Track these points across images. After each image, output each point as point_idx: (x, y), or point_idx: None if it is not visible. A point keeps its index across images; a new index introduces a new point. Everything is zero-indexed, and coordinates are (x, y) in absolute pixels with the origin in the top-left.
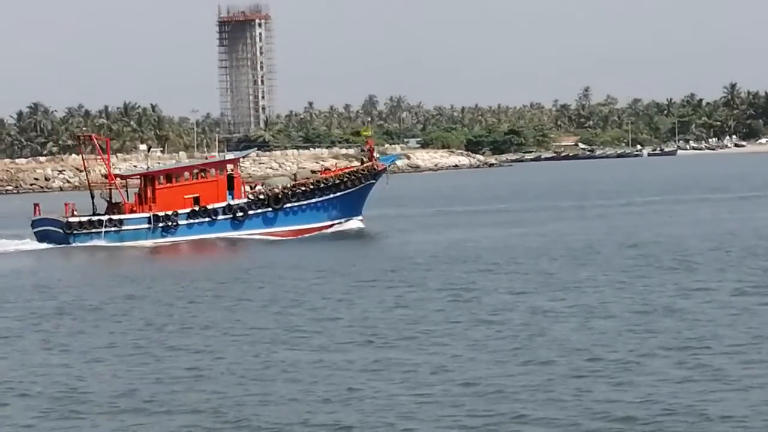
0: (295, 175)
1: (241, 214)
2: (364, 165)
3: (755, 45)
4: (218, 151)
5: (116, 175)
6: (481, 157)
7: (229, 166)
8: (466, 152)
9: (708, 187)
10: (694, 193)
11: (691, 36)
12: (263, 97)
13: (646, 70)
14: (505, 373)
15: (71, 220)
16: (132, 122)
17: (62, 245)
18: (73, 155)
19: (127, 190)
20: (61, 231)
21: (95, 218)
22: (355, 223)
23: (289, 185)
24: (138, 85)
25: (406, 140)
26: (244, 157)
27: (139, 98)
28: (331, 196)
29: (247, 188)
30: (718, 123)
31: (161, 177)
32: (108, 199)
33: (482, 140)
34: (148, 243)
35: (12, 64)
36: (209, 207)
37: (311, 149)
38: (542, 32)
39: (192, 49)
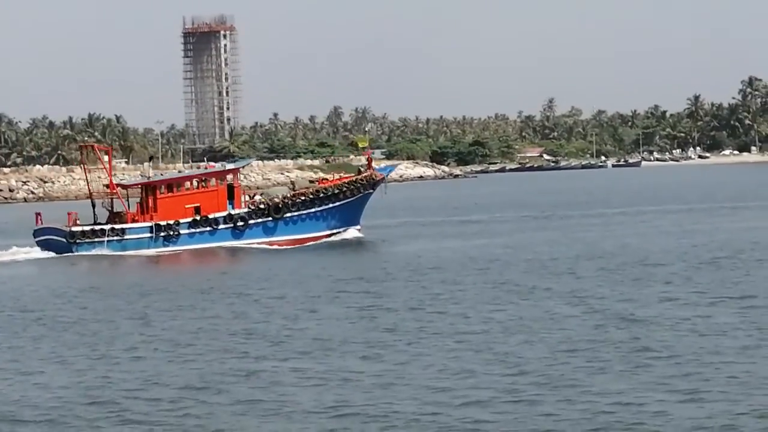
0: (293, 184)
1: (241, 223)
2: (363, 175)
3: (719, 56)
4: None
5: (118, 185)
6: (446, 168)
7: (229, 176)
8: (431, 163)
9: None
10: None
11: (655, 47)
12: (228, 108)
13: (610, 82)
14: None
15: (74, 229)
16: (96, 133)
17: (65, 254)
18: (38, 166)
19: (128, 200)
20: (64, 240)
21: (98, 227)
22: (353, 233)
23: (288, 195)
24: (102, 96)
25: (373, 151)
26: (243, 167)
27: (104, 109)
28: (331, 205)
29: (246, 198)
30: (682, 134)
31: (162, 186)
32: (110, 208)
33: (447, 151)
34: (151, 252)
35: None
36: (210, 216)
37: (276, 160)
38: (507, 43)
39: (157, 61)
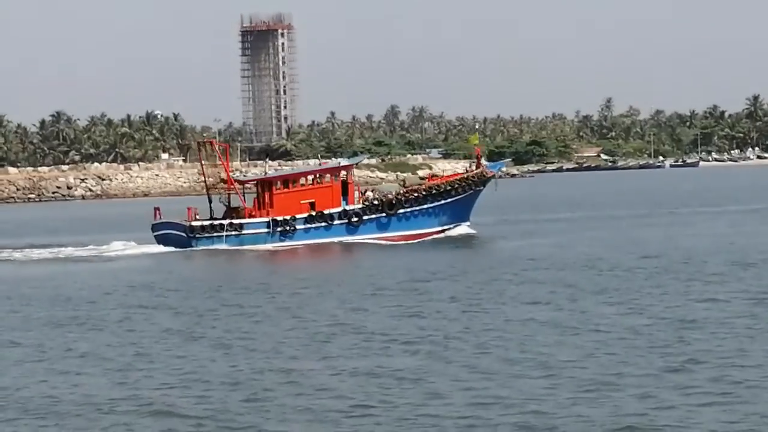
0: (404, 181)
1: (356, 219)
2: (474, 172)
3: None
4: (240, 161)
5: (235, 180)
6: (504, 168)
7: (343, 173)
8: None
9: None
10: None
11: (714, 46)
12: (285, 107)
13: (668, 81)
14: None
15: (194, 224)
16: (154, 131)
17: (185, 248)
18: (95, 164)
19: (244, 195)
20: (184, 234)
21: (217, 222)
22: (463, 229)
23: (401, 191)
24: (160, 94)
25: (428, 150)
26: (357, 164)
27: (162, 107)
28: (442, 202)
29: (358, 194)
30: (741, 134)
31: (279, 182)
32: (227, 203)
33: (504, 151)
34: (267, 247)
35: (35, 73)
36: (326, 212)
37: (333, 159)
38: (565, 42)
39: (215, 59)
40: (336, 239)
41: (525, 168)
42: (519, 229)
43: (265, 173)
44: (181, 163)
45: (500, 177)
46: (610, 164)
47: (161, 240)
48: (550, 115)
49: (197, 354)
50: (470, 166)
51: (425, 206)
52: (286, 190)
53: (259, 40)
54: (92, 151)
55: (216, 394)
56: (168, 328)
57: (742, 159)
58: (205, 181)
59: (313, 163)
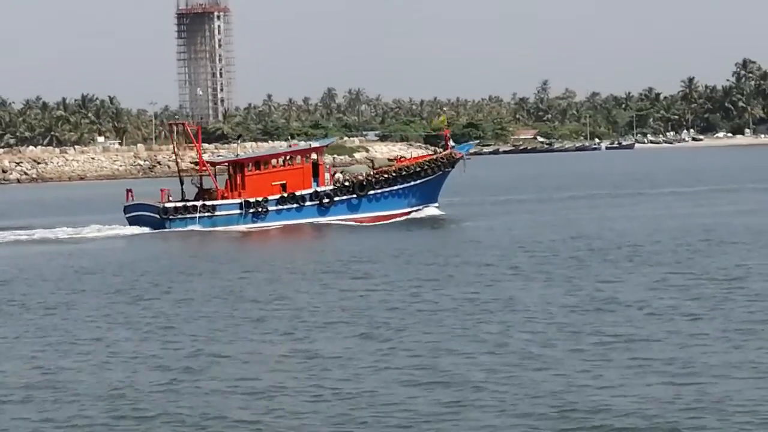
0: (372, 162)
1: (327, 200)
2: (444, 153)
3: (713, 38)
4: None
5: (208, 162)
6: (440, 150)
7: (314, 154)
8: (424, 145)
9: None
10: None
11: (649, 29)
12: (222, 90)
13: (604, 64)
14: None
15: (168, 205)
16: (90, 114)
17: (158, 230)
18: (31, 147)
19: (215, 177)
20: (157, 216)
21: (190, 204)
22: (432, 210)
23: (371, 173)
24: (96, 77)
25: (365, 133)
26: (327, 146)
27: (97, 90)
28: (412, 183)
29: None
30: (676, 117)
31: (250, 164)
32: (199, 185)
33: (441, 133)
34: (240, 228)
35: None
36: (297, 193)
37: (270, 142)
38: (501, 25)
39: (150, 42)
40: (307, 220)
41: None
42: (481, 211)
43: (237, 155)
44: (117, 146)
45: (468, 159)
46: (546, 147)
47: (133, 221)
48: (487, 97)
49: (117, 337)
50: (408, 149)
51: (395, 188)
52: (257, 171)
53: (195, 23)
54: (27, 134)
55: (127, 376)
56: (98, 312)
57: (678, 141)
58: (177, 163)
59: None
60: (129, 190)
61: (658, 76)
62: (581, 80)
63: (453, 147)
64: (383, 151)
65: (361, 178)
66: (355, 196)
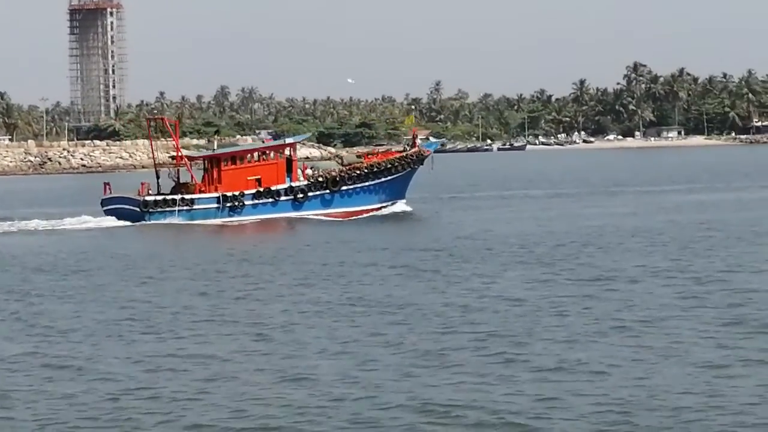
0: (341, 159)
1: (301, 195)
2: (413, 150)
3: (604, 41)
4: (68, 140)
5: (186, 156)
6: (333, 150)
7: (288, 150)
8: (317, 144)
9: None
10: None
11: (541, 31)
12: (114, 87)
13: (496, 66)
14: None
15: (148, 198)
16: None
17: (138, 222)
18: None
19: (192, 171)
20: (137, 209)
21: (169, 197)
22: (400, 206)
23: (344, 169)
24: None
25: (257, 132)
26: (301, 142)
27: None
28: (382, 179)
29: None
30: (567, 119)
31: (227, 159)
32: (176, 179)
33: (334, 132)
34: (217, 222)
35: None
36: (273, 188)
37: (162, 140)
38: (394, 25)
39: (42, 37)
40: (282, 215)
41: (355, 150)
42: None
43: (213, 150)
44: (7, 142)
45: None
46: (438, 147)
47: (111, 214)
48: (380, 97)
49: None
50: (300, 148)
51: (366, 183)
52: (233, 166)
53: (87, 19)
54: None
55: None
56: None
57: (569, 143)
58: (153, 157)
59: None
60: (107, 184)
61: (549, 78)
62: (474, 81)
63: (421, 145)
64: None
65: (334, 173)
66: (328, 191)
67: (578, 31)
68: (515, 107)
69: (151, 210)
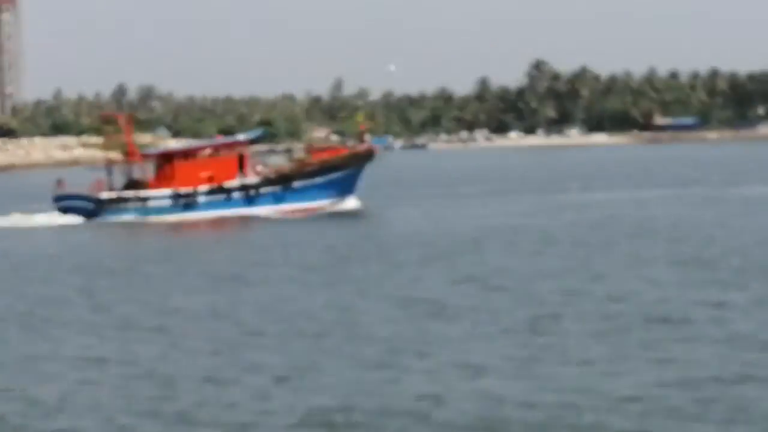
0: (291, 155)
1: (253, 192)
2: (364, 147)
3: (506, 39)
4: None
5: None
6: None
7: (240, 147)
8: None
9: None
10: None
11: (445, 28)
12: (9, 84)
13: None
14: None
15: (102, 196)
16: None
17: (93, 219)
18: None
19: (144, 168)
20: (92, 206)
21: (124, 194)
22: (351, 203)
23: (294, 165)
24: None
25: (156, 129)
26: (254, 138)
27: None
28: (333, 176)
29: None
30: (470, 117)
31: (180, 155)
32: (129, 176)
33: (234, 131)
34: (171, 218)
35: None
36: (225, 185)
37: (59, 137)
38: (294, 21)
39: None
40: (235, 211)
41: (254, 148)
42: None
43: (167, 147)
44: None
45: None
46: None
47: (65, 210)
48: (280, 95)
49: None
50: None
51: (317, 180)
52: (186, 163)
53: None
54: None
55: None
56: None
57: (471, 141)
58: (107, 154)
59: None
60: (60, 180)
61: (452, 76)
62: (375, 79)
63: (370, 141)
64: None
65: (285, 170)
66: (279, 188)
67: (480, 29)
68: (417, 105)
69: (106, 207)
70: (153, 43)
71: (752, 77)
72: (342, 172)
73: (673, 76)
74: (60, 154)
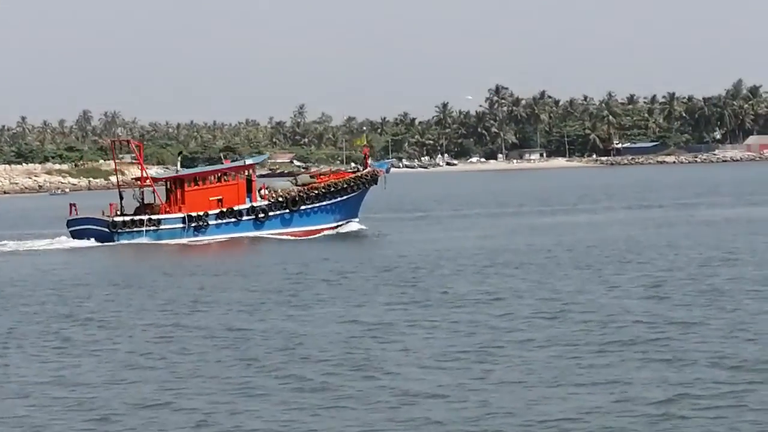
0: (296, 179)
1: (262, 215)
2: (367, 171)
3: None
4: None
5: (151, 178)
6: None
7: (248, 171)
8: (182, 168)
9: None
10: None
11: (402, 53)
12: None
13: (359, 89)
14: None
15: (117, 219)
16: None
17: (107, 243)
18: None
19: (154, 192)
20: (106, 229)
21: (137, 218)
22: (354, 225)
23: (302, 189)
24: None
25: (120, 156)
26: (260, 162)
27: None
28: (339, 199)
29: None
30: (431, 141)
31: (190, 180)
32: (140, 199)
33: (197, 156)
34: (183, 241)
35: None
36: (236, 208)
37: (24, 164)
38: (258, 48)
39: None
40: (244, 234)
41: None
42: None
43: (177, 171)
44: None
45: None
46: (303, 170)
47: (78, 235)
48: (244, 121)
49: None
50: (165, 172)
51: (324, 203)
52: (196, 187)
53: None
54: None
55: None
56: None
57: (432, 166)
58: (117, 178)
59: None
60: (72, 204)
61: (412, 101)
62: (337, 105)
63: (372, 165)
64: (139, 174)
65: (293, 193)
66: (288, 211)
67: (440, 54)
68: (379, 130)
69: (119, 230)
70: (117, 71)
71: (708, 101)
72: (347, 195)
73: (631, 100)
74: (25, 181)
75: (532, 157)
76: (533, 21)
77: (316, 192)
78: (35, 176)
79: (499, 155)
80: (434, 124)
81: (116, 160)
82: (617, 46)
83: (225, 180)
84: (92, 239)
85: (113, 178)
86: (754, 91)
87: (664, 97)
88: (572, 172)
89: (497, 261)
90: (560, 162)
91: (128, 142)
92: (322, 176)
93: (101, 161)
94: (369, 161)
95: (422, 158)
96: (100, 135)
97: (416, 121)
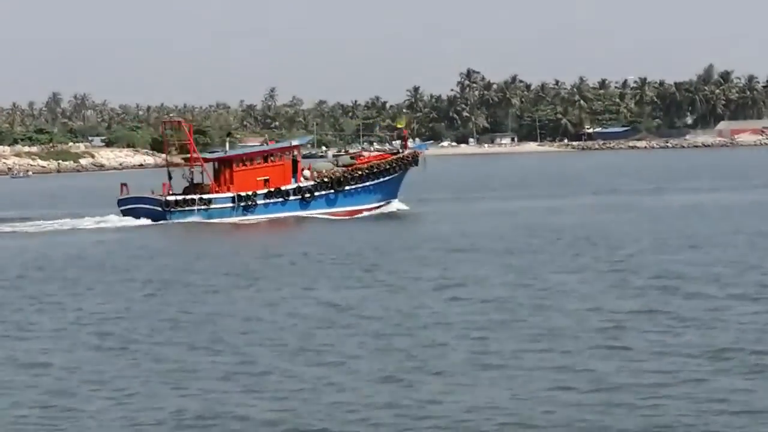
0: (337, 160)
1: (308, 195)
2: (408, 152)
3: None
4: None
5: (202, 158)
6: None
7: (294, 151)
8: (152, 152)
9: None
10: None
11: (375, 36)
12: None
13: (330, 71)
14: None
15: (169, 198)
16: None
17: (160, 221)
18: None
19: (203, 172)
20: (159, 208)
21: (189, 197)
22: (396, 205)
23: (348, 169)
24: None
25: (90, 138)
26: (306, 143)
27: None
28: (381, 180)
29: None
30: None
31: (238, 160)
32: (190, 179)
33: (170, 139)
34: (233, 220)
35: None
36: (283, 188)
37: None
38: (229, 31)
39: None
40: (290, 214)
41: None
42: None
43: (226, 151)
44: None
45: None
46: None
47: (129, 213)
48: (214, 104)
49: None
50: (134, 155)
51: (366, 184)
52: (244, 167)
53: None
54: None
55: None
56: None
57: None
58: (167, 159)
59: None
60: (124, 184)
61: (384, 84)
62: (308, 88)
63: (412, 146)
64: (110, 157)
65: (338, 174)
66: (332, 191)
67: (411, 38)
68: (350, 114)
69: (172, 209)
70: (87, 52)
71: (680, 86)
72: (389, 176)
73: (603, 85)
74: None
75: (504, 141)
76: (504, 4)
77: (360, 173)
78: (4, 159)
79: (471, 139)
80: (405, 107)
81: (191, 141)
82: (588, 29)
83: (271, 160)
84: (144, 218)
85: (83, 161)
86: (725, 76)
87: (635, 82)
88: (547, 157)
89: (482, 245)
90: (531, 146)
91: (179, 123)
92: (362, 159)
93: (71, 144)
94: (409, 143)
95: (393, 142)
96: (69, 117)
97: (387, 105)
